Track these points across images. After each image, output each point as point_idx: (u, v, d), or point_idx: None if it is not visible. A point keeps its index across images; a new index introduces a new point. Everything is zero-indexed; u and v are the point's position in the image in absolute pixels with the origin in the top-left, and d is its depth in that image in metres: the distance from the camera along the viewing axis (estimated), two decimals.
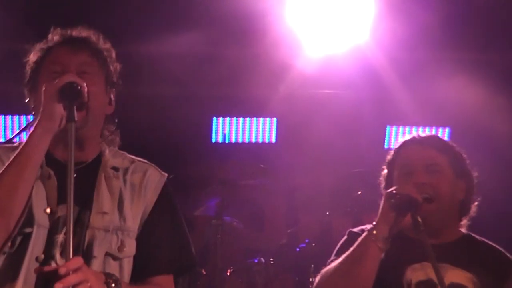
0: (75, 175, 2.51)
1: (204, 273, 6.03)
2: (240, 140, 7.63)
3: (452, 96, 7.17)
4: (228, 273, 6.05)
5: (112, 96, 2.93)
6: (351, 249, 2.95)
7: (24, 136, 2.71)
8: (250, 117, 7.62)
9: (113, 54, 2.94)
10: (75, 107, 2.55)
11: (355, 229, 3.21)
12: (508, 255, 3.20)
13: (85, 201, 2.68)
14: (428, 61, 6.84)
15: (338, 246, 3.18)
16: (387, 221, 2.92)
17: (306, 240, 6.24)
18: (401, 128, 7.49)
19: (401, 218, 2.92)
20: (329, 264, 3.07)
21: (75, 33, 2.87)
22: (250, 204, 6.40)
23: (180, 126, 7.19)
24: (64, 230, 2.61)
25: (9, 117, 7.13)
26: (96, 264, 2.64)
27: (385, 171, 3.27)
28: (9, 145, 2.82)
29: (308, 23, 6.22)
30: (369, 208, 6.69)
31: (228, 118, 7.62)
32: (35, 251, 2.61)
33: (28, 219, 2.59)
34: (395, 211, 2.91)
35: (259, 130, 7.64)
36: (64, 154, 2.69)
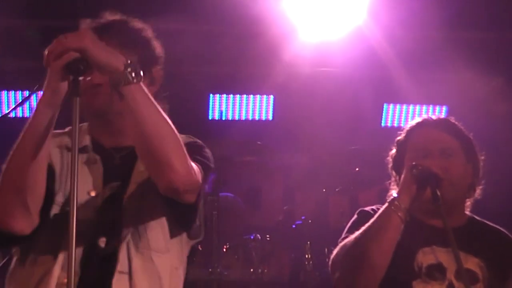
0: (119, 161, 2.63)
1: (200, 249, 6.05)
2: (237, 117, 7.62)
3: (450, 75, 7.17)
4: (224, 249, 6.07)
5: (154, 75, 2.95)
6: (372, 219, 3.00)
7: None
8: (247, 94, 7.61)
9: (147, 34, 2.97)
10: (78, 81, 2.46)
11: (366, 208, 3.24)
12: (510, 235, 3.25)
13: (127, 177, 2.73)
14: (425, 40, 6.83)
15: (349, 224, 3.21)
16: (409, 193, 2.99)
17: (302, 217, 6.26)
18: (398, 106, 7.50)
19: (422, 191, 2.99)
20: (342, 241, 3.11)
21: (103, 19, 2.89)
22: (246, 181, 6.41)
23: (176, 103, 7.14)
24: (112, 207, 2.68)
25: (4, 93, 7.11)
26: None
27: (394, 150, 3.30)
28: (60, 130, 2.81)
29: (307, 1, 6.21)
30: (366, 186, 6.72)
31: (225, 95, 7.60)
32: (77, 231, 2.57)
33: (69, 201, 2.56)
34: (416, 183, 2.98)
35: (256, 107, 7.64)
36: (110, 141, 2.77)
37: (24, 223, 2.60)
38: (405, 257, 3.02)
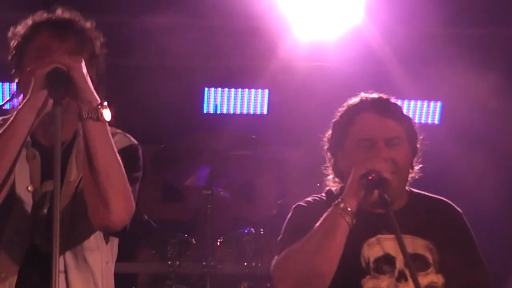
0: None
1: (194, 242, 6.06)
2: (231, 111, 7.62)
3: (444, 70, 7.18)
4: (218, 243, 6.08)
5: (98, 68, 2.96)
6: (318, 224, 2.88)
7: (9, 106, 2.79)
8: (242, 88, 7.61)
9: (96, 33, 2.96)
10: (61, 92, 2.58)
11: (301, 202, 3.16)
12: (454, 205, 3.17)
13: (61, 176, 2.71)
14: (421, 36, 6.84)
15: (286, 221, 3.12)
16: (356, 197, 2.88)
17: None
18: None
19: (370, 195, 2.87)
20: (282, 242, 3.02)
21: (60, 14, 2.91)
22: (240, 175, 6.40)
23: (171, 96, 7.18)
24: (48, 205, 2.74)
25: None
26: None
27: (330, 132, 3.18)
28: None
29: None
30: None
31: (219, 89, 7.60)
32: (15, 227, 2.72)
33: (10, 196, 2.69)
34: (365, 189, 2.87)
35: (250, 101, 7.64)
36: (47, 137, 2.80)
37: None
38: (350, 255, 2.90)
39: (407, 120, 3.12)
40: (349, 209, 2.85)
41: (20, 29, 2.88)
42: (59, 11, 2.91)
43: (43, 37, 2.83)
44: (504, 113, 7.09)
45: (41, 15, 2.90)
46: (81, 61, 2.65)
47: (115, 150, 2.67)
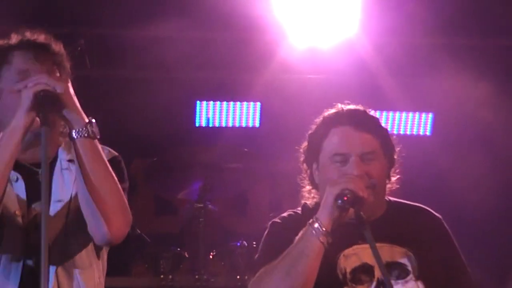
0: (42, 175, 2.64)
1: (187, 256, 6.04)
2: (224, 124, 7.62)
3: (436, 81, 7.20)
4: (211, 256, 6.07)
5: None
6: (292, 245, 2.82)
7: None
8: (234, 101, 7.61)
9: (65, 54, 2.97)
10: (48, 113, 2.61)
11: (277, 219, 3.10)
12: (433, 211, 3.13)
13: (49, 196, 2.76)
14: (412, 47, 6.86)
15: (263, 239, 3.08)
16: (331, 216, 2.80)
17: None
18: (384, 113, 7.51)
19: (345, 213, 2.81)
20: (258, 260, 2.98)
21: (33, 37, 2.90)
22: (233, 188, 6.39)
23: (163, 109, 7.18)
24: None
25: None
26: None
27: (306, 143, 3.13)
28: None
29: (295, 9, 6.22)
30: None
31: (212, 102, 7.60)
32: (7, 252, 2.73)
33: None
34: (340, 209, 2.80)
35: (243, 114, 7.64)
36: (29, 157, 2.81)
37: None
38: (327, 267, 2.84)
39: (383, 132, 3.05)
40: (323, 229, 2.78)
41: None
42: (28, 34, 2.91)
43: (19, 60, 2.83)
44: (496, 123, 7.10)
45: (12, 38, 2.90)
46: (67, 82, 2.71)
47: (108, 164, 2.70)
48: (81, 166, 2.65)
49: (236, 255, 5.98)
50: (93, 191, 2.64)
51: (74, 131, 2.66)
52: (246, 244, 5.99)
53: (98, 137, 2.69)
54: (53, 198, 2.79)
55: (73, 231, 2.77)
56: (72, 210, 2.78)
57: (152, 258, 5.98)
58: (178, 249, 6.05)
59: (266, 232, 3.10)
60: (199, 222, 5.88)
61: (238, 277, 5.94)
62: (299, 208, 3.15)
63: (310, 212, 2.96)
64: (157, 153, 6.27)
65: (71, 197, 2.79)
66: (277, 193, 7.70)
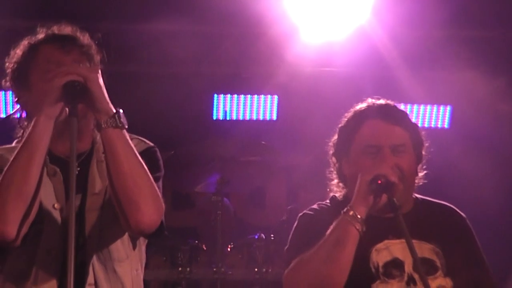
0: (78, 168, 2.71)
1: (205, 248, 6.06)
2: (241, 117, 7.63)
3: (453, 74, 7.17)
4: (228, 249, 6.08)
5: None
6: (328, 233, 2.87)
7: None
8: (251, 95, 7.62)
9: (95, 45, 2.98)
10: (77, 103, 2.63)
11: (307, 211, 3.14)
12: (458, 210, 3.17)
13: (84, 188, 2.80)
14: (430, 39, 6.84)
15: (293, 231, 3.11)
16: (365, 203, 2.87)
17: None
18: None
19: (378, 199, 2.87)
20: (290, 252, 3.02)
21: (60, 30, 2.92)
22: (250, 181, 6.40)
23: (181, 103, 7.20)
24: (77, 221, 2.70)
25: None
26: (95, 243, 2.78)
27: (336, 137, 3.17)
28: (8, 146, 2.92)
29: (309, 1, 6.21)
30: None
31: (229, 95, 7.61)
32: (47, 246, 2.73)
33: (38, 216, 2.70)
34: (373, 194, 2.86)
35: (260, 107, 7.65)
36: (64, 149, 2.80)
37: (16, 232, 2.64)
38: (359, 261, 2.89)
39: (413, 127, 3.12)
40: (358, 216, 2.85)
41: (19, 51, 2.90)
42: (56, 27, 2.93)
43: (47, 52, 2.85)
44: None
45: (39, 33, 2.92)
46: (97, 72, 2.70)
47: (137, 153, 2.71)
48: (110, 155, 2.66)
49: (254, 247, 5.99)
50: (123, 180, 2.65)
51: (102, 121, 2.66)
52: (264, 237, 6.00)
53: (126, 127, 2.69)
54: (89, 191, 2.81)
55: (108, 223, 2.78)
56: (107, 203, 2.79)
57: (170, 251, 6.01)
58: (196, 241, 6.07)
59: (296, 224, 3.13)
60: (216, 215, 5.89)
61: (256, 269, 5.95)
62: (328, 201, 3.19)
63: (339, 204, 3.02)
64: (174, 147, 6.28)
65: (106, 190, 2.81)
66: (294, 185, 7.70)
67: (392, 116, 3.07)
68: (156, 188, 2.74)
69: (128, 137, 2.71)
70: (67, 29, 2.93)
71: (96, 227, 2.77)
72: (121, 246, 2.83)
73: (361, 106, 3.15)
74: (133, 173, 2.66)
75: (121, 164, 2.66)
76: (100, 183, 2.83)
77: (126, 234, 2.84)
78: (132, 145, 2.72)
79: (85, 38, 2.93)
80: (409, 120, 3.13)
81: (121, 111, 2.69)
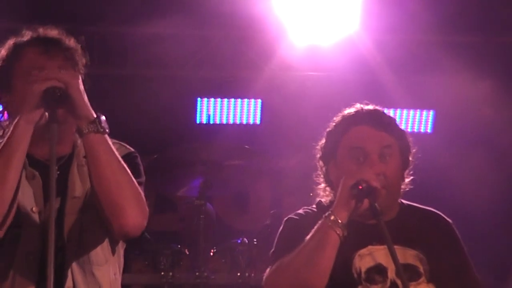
0: (58, 172, 2.68)
1: (187, 253, 6.04)
2: (224, 121, 7.62)
3: (437, 79, 7.20)
4: (211, 253, 6.06)
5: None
6: (308, 237, 2.86)
7: None
8: (234, 98, 7.61)
9: (79, 50, 2.96)
10: (57, 109, 2.64)
11: (292, 215, 3.14)
12: (444, 216, 3.16)
13: (64, 191, 2.79)
14: (413, 44, 6.86)
15: (278, 235, 3.10)
16: (347, 208, 2.85)
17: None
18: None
19: (360, 205, 2.84)
20: (274, 255, 3.01)
21: (45, 32, 2.91)
22: (234, 185, 6.39)
23: (164, 107, 7.18)
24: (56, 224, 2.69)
25: None
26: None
27: (324, 141, 3.16)
28: None
29: (296, 6, 6.22)
30: None
31: (212, 99, 7.60)
32: (25, 249, 2.72)
33: (16, 219, 2.70)
34: (355, 199, 2.84)
35: (243, 111, 7.64)
36: (44, 152, 2.79)
37: None
38: (342, 266, 2.89)
39: (400, 133, 3.11)
40: (339, 221, 2.84)
41: (3, 51, 2.88)
42: (41, 30, 2.91)
43: (31, 55, 2.83)
44: (497, 120, 7.10)
45: (25, 35, 2.90)
46: (78, 78, 2.72)
47: (119, 158, 2.72)
48: (91, 161, 2.67)
49: (237, 252, 5.97)
50: (107, 185, 2.66)
51: (83, 127, 2.67)
52: (247, 241, 5.99)
53: (108, 131, 2.70)
54: (69, 194, 2.80)
55: (88, 227, 2.77)
56: (88, 206, 2.78)
57: (152, 255, 5.98)
58: (179, 246, 6.05)
59: (281, 228, 3.13)
60: (199, 219, 5.87)
61: (238, 274, 5.94)
62: (314, 206, 3.18)
63: (324, 209, 2.99)
64: (157, 151, 6.26)
65: (86, 194, 2.80)
66: (278, 190, 7.70)
67: (379, 121, 3.07)
68: (140, 191, 2.75)
69: (110, 142, 2.71)
70: (52, 32, 2.91)
71: (76, 231, 2.76)
72: (100, 250, 2.82)
73: (350, 111, 3.14)
74: (116, 177, 2.67)
75: (104, 169, 2.66)
76: (81, 187, 2.82)
77: (106, 238, 2.84)
78: (114, 149, 2.72)
79: (70, 42, 2.91)
80: (397, 126, 3.13)
81: (102, 117, 2.70)
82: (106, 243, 2.84)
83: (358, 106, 3.15)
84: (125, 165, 2.71)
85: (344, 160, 3.04)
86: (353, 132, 3.06)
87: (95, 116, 2.68)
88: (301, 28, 6.41)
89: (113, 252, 2.89)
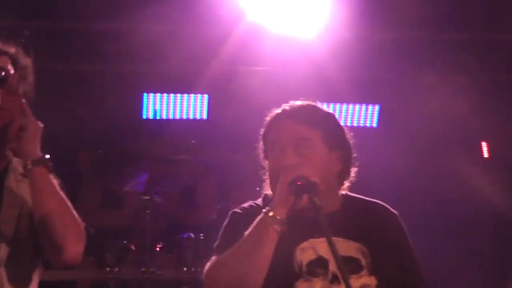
0: None
1: (134, 248, 6.02)
2: (171, 116, 7.59)
3: (382, 74, 7.26)
4: (157, 249, 6.05)
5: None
6: (247, 233, 2.85)
7: None
8: (181, 94, 7.58)
9: (31, 68, 2.97)
10: None
11: (237, 209, 3.13)
12: (389, 207, 3.15)
13: None
14: (358, 39, 6.90)
15: (222, 228, 3.08)
16: (285, 204, 2.84)
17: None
18: (331, 105, 7.56)
19: (299, 200, 2.83)
20: (216, 249, 3.00)
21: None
22: (180, 180, 6.38)
23: (110, 102, 7.13)
24: None
25: None
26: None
27: (261, 143, 3.15)
28: None
29: (244, 1, 6.22)
30: None
31: (159, 94, 7.57)
32: None
33: None
34: (294, 195, 2.83)
35: (190, 106, 7.62)
36: None
37: None
38: (283, 259, 2.87)
39: (326, 125, 3.07)
40: (278, 217, 2.82)
41: None
42: None
43: None
44: (441, 114, 7.19)
45: None
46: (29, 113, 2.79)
47: (62, 194, 2.79)
48: (37, 194, 2.75)
49: (183, 247, 5.97)
50: (49, 216, 2.71)
51: (28, 163, 2.75)
52: (193, 236, 5.99)
53: (51, 168, 2.78)
54: (5, 203, 2.81)
55: (22, 237, 2.79)
56: (24, 217, 2.80)
57: (98, 251, 5.95)
58: (125, 241, 6.02)
59: (226, 222, 3.10)
60: (146, 215, 5.85)
61: (185, 269, 5.94)
62: (260, 199, 3.16)
63: (270, 202, 2.96)
64: (104, 146, 6.23)
65: (22, 207, 2.81)
66: (225, 185, 7.70)
67: (300, 115, 3.03)
68: (81, 225, 2.84)
69: (53, 178, 2.79)
70: (7, 47, 2.89)
71: (9, 239, 2.77)
72: (24, 272, 2.84)
73: (277, 109, 3.13)
74: (58, 212, 2.75)
75: (46, 202, 2.73)
76: (16, 199, 2.83)
77: (37, 260, 2.88)
78: (57, 185, 2.79)
79: (24, 60, 2.91)
80: (324, 118, 3.09)
81: (47, 156, 2.78)
82: (34, 267, 2.88)
83: (291, 102, 3.13)
84: (67, 200, 2.79)
85: (269, 156, 3.06)
86: (273, 127, 3.07)
87: (40, 154, 2.77)
88: (248, 23, 6.41)
89: (37, 273, 2.92)
